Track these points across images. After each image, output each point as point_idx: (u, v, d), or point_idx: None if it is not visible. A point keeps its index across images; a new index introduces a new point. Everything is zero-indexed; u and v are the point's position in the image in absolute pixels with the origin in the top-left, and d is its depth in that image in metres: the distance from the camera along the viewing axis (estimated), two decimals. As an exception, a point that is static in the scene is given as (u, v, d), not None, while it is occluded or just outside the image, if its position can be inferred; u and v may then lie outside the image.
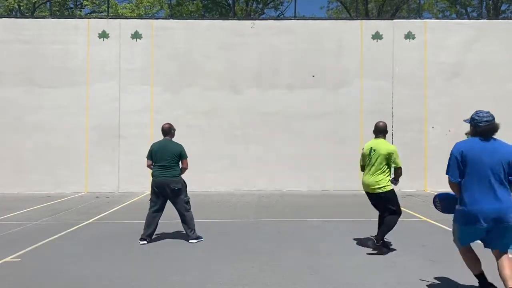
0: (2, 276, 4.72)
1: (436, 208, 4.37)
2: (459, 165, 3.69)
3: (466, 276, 4.63)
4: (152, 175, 6.29)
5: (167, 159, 6.19)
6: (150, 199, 6.34)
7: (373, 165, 5.63)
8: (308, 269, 4.93)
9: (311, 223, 7.67)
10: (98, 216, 8.52)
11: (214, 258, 5.40)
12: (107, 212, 9.03)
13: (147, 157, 6.38)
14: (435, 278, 4.57)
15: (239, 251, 5.74)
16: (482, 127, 3.64)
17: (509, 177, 3.63)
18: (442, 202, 4.26)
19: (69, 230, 7.11)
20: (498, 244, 3.67)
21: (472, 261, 3.90)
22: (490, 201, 3.58)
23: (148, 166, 6.38)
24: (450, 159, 3.78)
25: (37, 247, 6.01)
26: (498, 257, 3.67)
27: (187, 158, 6.35)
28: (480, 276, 3.92)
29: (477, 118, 3.68)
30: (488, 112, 3.76)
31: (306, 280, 4.56)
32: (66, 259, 5.37)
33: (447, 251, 5.69)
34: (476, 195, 3.64)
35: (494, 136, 3.79)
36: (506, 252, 3.63)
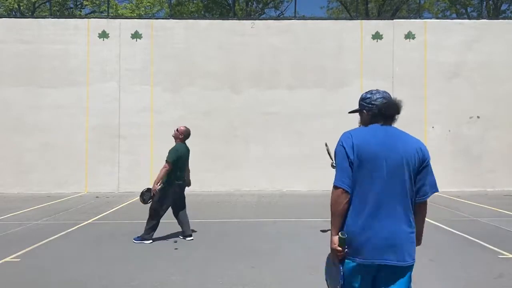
0: (2, 276, 4.72)
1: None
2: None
3: (466, 276, 4.64)
4: (178, 178, 6.22)
5: (188, 163, 6.43)
6: (165, 204, 6.22)
7: None
8: (308, 269, 4.92)
9: (311, 223, 7.67)
10: (98, 216, 8.51)
11: (214, 258, 5.40)
12: (107, 212, 9.03)
13: (172, 161, 6.12)
14: (435, 278, 4.57)
15: (239, 251, 5.74)
16: (380, 105, 2.36)
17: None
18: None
19: (69, 230, 7.10)
20: None
21: None
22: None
23: (169, 169, 6.16)
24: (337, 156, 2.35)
25: (37, 247, 6.01)
26: None
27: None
28: None
29: (369, 96, 2.44)
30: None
31: (306, 280, 4.56)
32: (66, 259, 5.37)
33: (447, 251, 5.70)
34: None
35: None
36: None
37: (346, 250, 2.26)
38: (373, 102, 2.41)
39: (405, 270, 2.30)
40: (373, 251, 2.22)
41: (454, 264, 5.06)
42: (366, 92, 2.50)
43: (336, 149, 2.35)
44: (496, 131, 12.90)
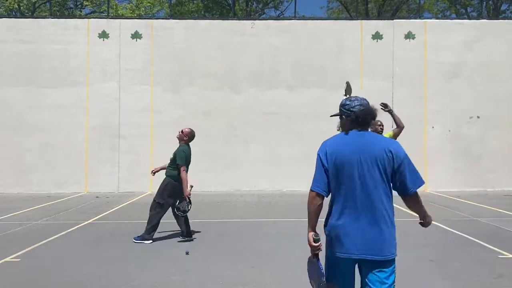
0: (2, 276, 4.72)
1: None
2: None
3: (466, 276, 4.64)
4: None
5: None
6: (170, 202, 6.27)
7: None
8: (308, 269, 4.92)
9: (311, 223, 7.66)
10: (98, 216, 8.51)
11: (214, 258, 5.39)
12: (107, 212, 9.03)
13: (184, 164, 6.18)
14: (435, 278, 4.56)
15: (239, 251, 5.74)
16: (358, 112, 2.57)
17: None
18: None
19: (69, 230, 7.10)
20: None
21: None
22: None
23: (187, 170, 6.22)
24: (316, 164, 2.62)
25: (37, 247, 6.00)
26: None
27: None
28: None
29: (348, 103, 2.64)
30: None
31: (306, 280, 4.55)
32: (66, 259, 5.37)
33: (447, 251, 5.69)
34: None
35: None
36: None
37: (320, 243, 2.56)
38: (351, 109, 2.60)
39: (386, 264, 2.48)
40: (352, 246, 2.45)
41: (454, 264, 5.06)
42: (346, 99, 2.70)
43: (316, 157, 2.62)
44: (496, 131, 12.90)
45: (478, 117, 12.99)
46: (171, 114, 12.55)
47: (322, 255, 2.60)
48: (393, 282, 2.55)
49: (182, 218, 6.37)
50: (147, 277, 4.62)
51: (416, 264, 5.07)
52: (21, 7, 24.04)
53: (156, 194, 6.35)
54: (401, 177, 2.47)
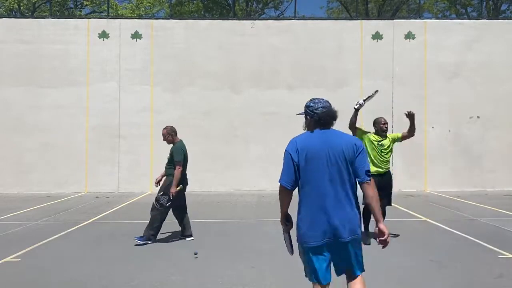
0: (2, 276, 4.72)
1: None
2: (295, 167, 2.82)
3: (466, 276, 4.64)
4: (183, 179, 6.21)
5: None
6: (173, 205, 6.24)
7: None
8: (308, 269, 4.93)
9: (311, 223, 7.65)
10: (98, 216, 8.51)
11: (214, 258, 5.39)
12: (107, 212, 9.03)
13: (182, 160, 6.10)
14: (435, 278, 4.56)
15: (239, 251, 5.74)
16: (320, 114, 2.86)
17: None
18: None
19: (69, 230, 7.10)
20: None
21: None
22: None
23: (183, 170, 6.14)
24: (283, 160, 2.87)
25: (37, 247, 6.01)
26: (349, 280, 2.91)
27: None
28: None
29: (312, 105, 2.91)
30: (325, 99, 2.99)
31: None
32: (66, 259, 5.37)
33: (447, 251, 5.69)
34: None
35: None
36: (357, 276, 2.88)
37: (290, 224, 3.12)
38: (314, 111, 2.89)
39: (353, 243, 2.81)
40: (322, 233, 2.78)
41: (454, 264, 5.06)
42: (310, 101, 2.97)
43: (284, 154, 2.88)
44: (496, 131, 12.90)
45: (478, 117, 12.99)
46: (171, 114, 12.55)
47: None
48: (361, 256, 2.89)
49: (185, 218, 6.35)
50: (147, 277, 4.62)
51: (416, 264, 5.07)
52: (21, 7, 24.04)
53: (158, 194, 6.33)
54: (356, 165, 2.80)
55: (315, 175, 2.79)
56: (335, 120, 2.93)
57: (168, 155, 6.31)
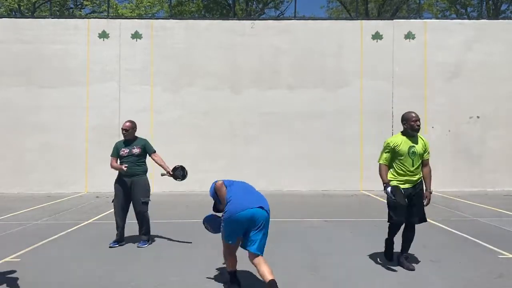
0: (2, 276, 4.72)
1: (208, 231, 4.60)
2: None
3: (466, 276, 4.64)
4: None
5: None
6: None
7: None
8: (308, 268, 4.93)
9: (311, 223, 7.66)
10: (98, 216, 8.51)
11: (214, 258, 5.39)
12: (107, 212, 9.02)
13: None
14: (435, 278, 4.56)
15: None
16: None
17: None
18: (210, 224, 4.51)
19: (69, 230, 7.10)
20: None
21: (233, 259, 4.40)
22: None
23: None
24: None
25: (37, 247, 6.00)
26: (252, 258, 4.20)
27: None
28: (233, 273, 4.38)
29: None
30: None
31: (306, 279, 4.56)
32: (66, 259, 5.37)
33: (447, 251, 5.69)
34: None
35: None
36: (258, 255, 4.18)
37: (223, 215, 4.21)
38: None
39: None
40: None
41: (454, 264, 5.06)
42: None
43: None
44: (496, 131, 12.90)
45: (478, 117, 12.99)
46: (171, 114, 12.56)
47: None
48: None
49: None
50: (147, 277, 4.62)
51: (416, 264, 5.06)
52: (21, 7, 24.05)
53: (140, 194, 6.19)
54: None
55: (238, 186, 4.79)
56: None
57: (135, 151, 6.41)
